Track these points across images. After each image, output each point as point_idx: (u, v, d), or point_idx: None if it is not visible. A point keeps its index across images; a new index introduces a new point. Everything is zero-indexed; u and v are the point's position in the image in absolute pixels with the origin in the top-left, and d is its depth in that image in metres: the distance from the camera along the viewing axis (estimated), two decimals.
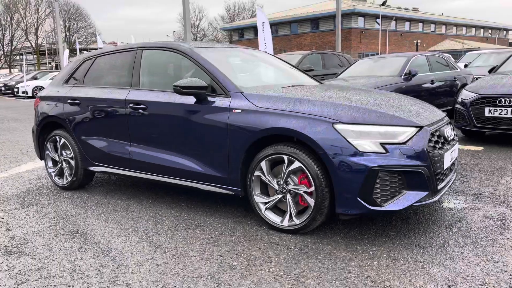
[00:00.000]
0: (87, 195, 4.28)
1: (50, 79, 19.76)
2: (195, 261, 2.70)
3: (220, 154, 3.31)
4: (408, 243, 2.85)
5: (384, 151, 2.77)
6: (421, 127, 2.92)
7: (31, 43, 63.16)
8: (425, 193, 2.85)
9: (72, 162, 4.35)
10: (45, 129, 4.63)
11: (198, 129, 3.40)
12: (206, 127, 3.35)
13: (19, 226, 3.44)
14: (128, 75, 3.98)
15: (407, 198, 2.81)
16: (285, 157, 2.99)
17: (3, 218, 3.64)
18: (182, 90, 3.28)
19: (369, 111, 2.95)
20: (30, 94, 22.63)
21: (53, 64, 62.50)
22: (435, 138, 2.98)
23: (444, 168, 3.02)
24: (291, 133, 2.96)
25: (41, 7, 62.96)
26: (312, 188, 2.90)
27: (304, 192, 2.96)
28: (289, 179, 3.03)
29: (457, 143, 3.40)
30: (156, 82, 3.88)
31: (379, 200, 2.78)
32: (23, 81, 23.60)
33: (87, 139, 4.21)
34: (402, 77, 7.87)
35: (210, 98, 3.37)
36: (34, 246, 3.03)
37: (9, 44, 62.90)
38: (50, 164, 4.61)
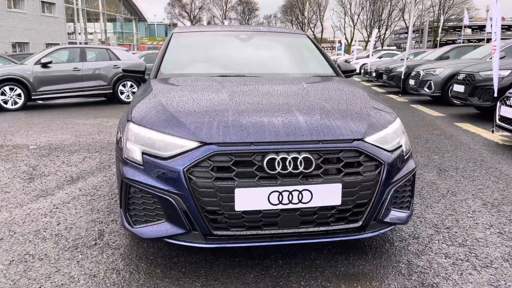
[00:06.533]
0: None
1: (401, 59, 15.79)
2: (44, 240, 2.82)
3: None
4: None
5: (141, 163, 2.24)
6: (203, 144, 2.09)
7: (405, 22, 66.48)
8: (181, 231, 2.18)
9: None
10: None
11: None
12: None
13: (41, 166, 4.62)
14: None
15: (159, 229, 2.24)
16: None
17: (58, 157, 4.93)
18: (123, 73, 3.42)
19: (164, 113, 2.40)
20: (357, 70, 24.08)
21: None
22: (228, 164, 2.07)
23: (244, 209, 2.11)
24: None
25: None
26: None
27: None
28: None
29: (336, 184, 2.11)
30: None
31: (134, 219, 2.33)
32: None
33: None
34: None
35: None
36: (4, 178, 4.11)
37: (385, 24, 68.73)
38: None
